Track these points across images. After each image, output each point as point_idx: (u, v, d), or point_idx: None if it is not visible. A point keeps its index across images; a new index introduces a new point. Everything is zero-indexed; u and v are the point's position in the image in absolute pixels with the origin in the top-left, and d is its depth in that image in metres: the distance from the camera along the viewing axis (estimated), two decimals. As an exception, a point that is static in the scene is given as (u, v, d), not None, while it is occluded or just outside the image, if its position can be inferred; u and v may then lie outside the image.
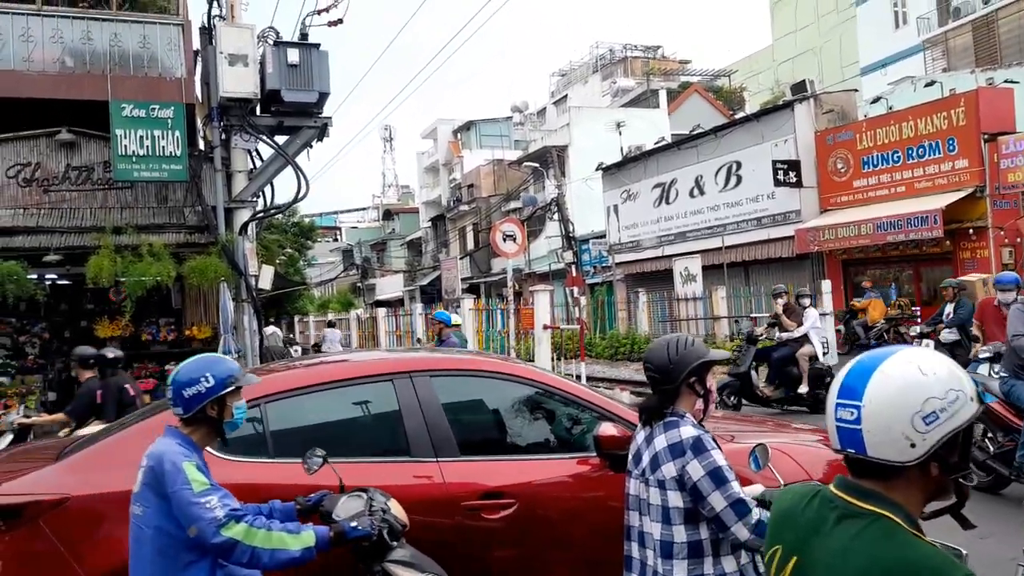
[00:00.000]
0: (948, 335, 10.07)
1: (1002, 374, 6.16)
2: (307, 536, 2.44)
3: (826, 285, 15.39)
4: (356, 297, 45.73)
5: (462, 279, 34.44)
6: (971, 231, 15.05)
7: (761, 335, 11.01)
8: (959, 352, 10.20)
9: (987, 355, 7.17)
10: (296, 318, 34.69)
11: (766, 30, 39.74)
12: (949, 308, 10.18)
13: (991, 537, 4.78)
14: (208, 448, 3.12)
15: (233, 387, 2.57)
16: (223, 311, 9.87)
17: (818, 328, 10.86)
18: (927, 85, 18.98)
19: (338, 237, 61.78)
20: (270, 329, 14.85)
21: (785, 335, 10.60)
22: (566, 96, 40.07)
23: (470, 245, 38.42)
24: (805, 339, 10.47)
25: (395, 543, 2.60)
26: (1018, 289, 8.32)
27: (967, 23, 23.94)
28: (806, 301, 10.89)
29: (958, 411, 1.33)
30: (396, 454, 3.40)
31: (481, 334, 16.22)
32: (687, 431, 2.46)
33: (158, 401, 4.42)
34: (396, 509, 2.77)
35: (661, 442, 2.49)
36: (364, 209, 63.60)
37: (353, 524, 2.53)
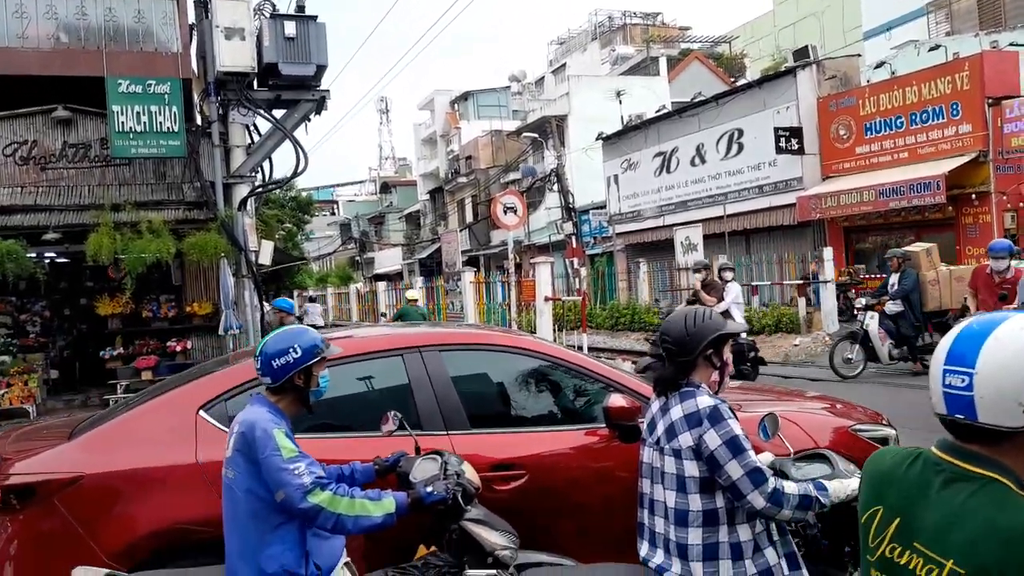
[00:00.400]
0: (893, 307, 9.98)
1: None
2: (388, 503, 2.55)
3: (828, 252, 15.38)
4: (355, 271, 45.67)
5: (461, 252, 34.40)
6: (974, 196, 14.97)
7: None
8: (903, 323, 10.14)
9: None
10: (295, 292, 34.74)
11: (766, -5, 39.18)
12: (894, 279, 10.04)
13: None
14: (214, 422, 3.14)
15: (319, 358, 2.67)
16: (223, 287, 9.86)
17: (740, 303, 10.48)
18: (931, 49, 18.72)
19: (335, 211, 61.53)
20: (268, 306, 14.89)
21: None
22: (564, 65, 39.53)
23: (469, 217, 38.27)
24: (727, 315, 9.99)
25: (468, 506, 2.70)
26: (1011, 256, 8.30)
27: (971, -15, 23.57)
28: (728, 275, 10.48)
29: None
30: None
31: (482, 306, 16.23)
32: (704, 400, 2.49)
33: (166, 379, 4.43)
34: (470, 472, 2.85)
35: (677, 412, 2.52)
36: (361, 182, 63.34)
37: (429, 489, 2.63)
